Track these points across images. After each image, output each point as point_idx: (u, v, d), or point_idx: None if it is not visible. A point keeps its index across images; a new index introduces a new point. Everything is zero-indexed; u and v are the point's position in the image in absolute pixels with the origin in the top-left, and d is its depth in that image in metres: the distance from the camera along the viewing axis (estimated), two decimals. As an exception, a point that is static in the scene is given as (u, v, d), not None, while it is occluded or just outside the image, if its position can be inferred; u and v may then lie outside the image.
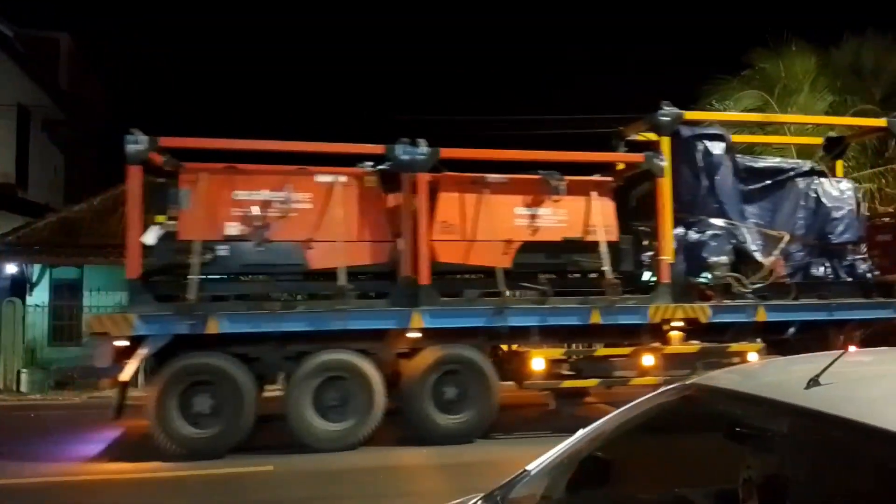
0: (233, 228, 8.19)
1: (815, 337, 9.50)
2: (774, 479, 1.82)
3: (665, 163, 9.26)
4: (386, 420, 8.40)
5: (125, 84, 26.35)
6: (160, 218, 8.14)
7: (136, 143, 7.97)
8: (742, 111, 17.54)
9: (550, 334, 8.85)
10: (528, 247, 8.82)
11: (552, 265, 9.10)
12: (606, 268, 8.74)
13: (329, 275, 8.37)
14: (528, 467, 2.51)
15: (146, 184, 8.19)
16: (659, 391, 2.64)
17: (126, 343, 7.63)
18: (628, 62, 33.01)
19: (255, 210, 8.19)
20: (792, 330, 9.71)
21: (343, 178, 8.56)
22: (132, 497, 6.94)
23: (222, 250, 8.12)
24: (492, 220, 8.71)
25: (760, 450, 2.13)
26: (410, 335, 8.38)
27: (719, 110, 17.45)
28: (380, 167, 8.76)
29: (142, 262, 7.95)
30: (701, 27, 33.07)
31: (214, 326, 7.72)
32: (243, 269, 8.42)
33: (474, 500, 2.47)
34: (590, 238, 8.95)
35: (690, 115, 10.04)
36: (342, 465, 7.62)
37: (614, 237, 9.08)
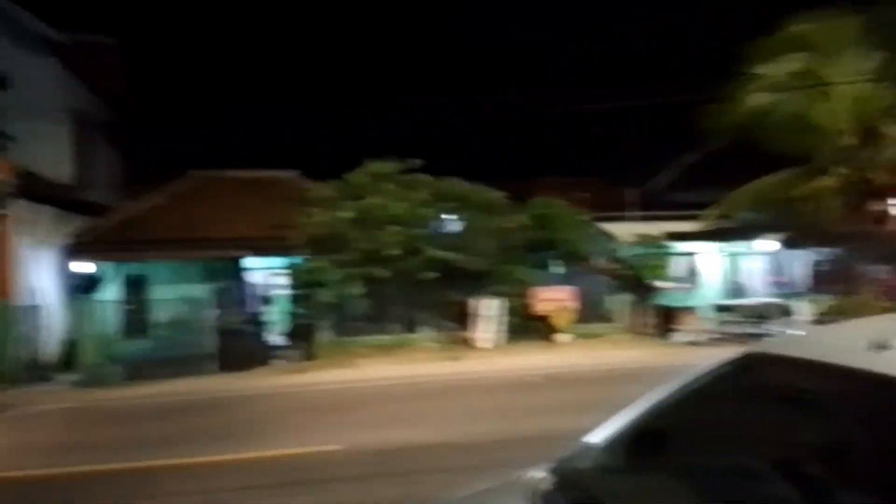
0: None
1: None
2: (839, 446, 1.71)
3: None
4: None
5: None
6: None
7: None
8: (787, 72, 17.80)
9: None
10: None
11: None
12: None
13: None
14: (588, 439, 2.51)
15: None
16: (717, 361, 2.61)
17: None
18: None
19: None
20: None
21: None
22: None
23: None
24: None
25: (822, 416, 2.05)
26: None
27: (763, 71, 17.81)
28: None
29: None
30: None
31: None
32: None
33: (536, 472, 2.48)
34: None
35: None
36: (406, 441, 7.76)
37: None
